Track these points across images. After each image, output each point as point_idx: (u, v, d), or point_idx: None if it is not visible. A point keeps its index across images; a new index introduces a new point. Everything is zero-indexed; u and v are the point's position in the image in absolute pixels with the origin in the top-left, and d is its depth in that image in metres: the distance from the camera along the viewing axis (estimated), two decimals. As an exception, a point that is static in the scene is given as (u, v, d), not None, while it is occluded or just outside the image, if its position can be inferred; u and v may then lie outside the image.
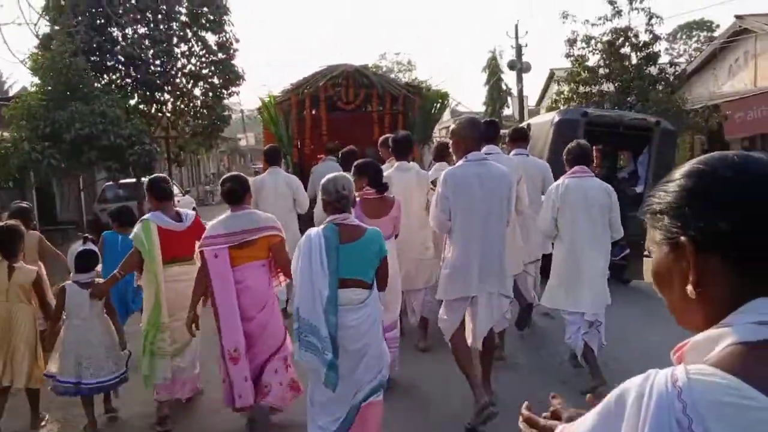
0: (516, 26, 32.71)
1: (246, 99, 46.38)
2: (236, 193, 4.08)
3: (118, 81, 13.08)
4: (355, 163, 4.81)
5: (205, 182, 34.05)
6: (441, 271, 4.25)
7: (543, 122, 8.81)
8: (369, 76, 9.67)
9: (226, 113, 14.67)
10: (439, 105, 9.96)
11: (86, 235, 4.67)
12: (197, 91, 14.45)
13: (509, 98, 33.47)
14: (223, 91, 14.63)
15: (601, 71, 14.23)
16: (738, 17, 20.28)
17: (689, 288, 0.88)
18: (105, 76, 12.73)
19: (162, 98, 14.06)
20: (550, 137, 7.71)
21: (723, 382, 0.75)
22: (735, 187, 0.86)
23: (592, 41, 14.38)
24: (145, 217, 4.43)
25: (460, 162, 4.17)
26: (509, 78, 34.14)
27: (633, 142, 8.03)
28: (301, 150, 9.44)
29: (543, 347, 5.49)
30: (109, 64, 12.64)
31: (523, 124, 9.36)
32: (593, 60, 14.47)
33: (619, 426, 0.80)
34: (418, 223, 5.02)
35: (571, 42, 14.67)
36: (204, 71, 14.28)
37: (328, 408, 3.38)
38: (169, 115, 14.25)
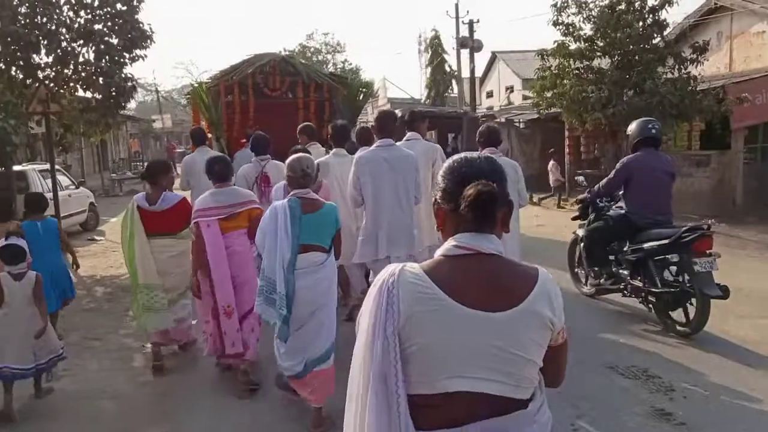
0: (456, 4, 30.37)
1: (161, 78, 42.18)
2: (223, 172, 4.82)
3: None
4: (294, 148, 5.63)
5: (112, 169, 29.76)
6: (358, 239, 5.11)
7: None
8: (295, 65, 10.42)
9: (128, 84, 11.18)
10: (363, 93, 10.73)
11: (10, 230, 4.99)
12: (88, 54, 10.89)
13: (453, 80, 31.06)
14: (125, 54, 11.13)
15: (599, 43, 11.81)
16: (713, -7, 18.43)
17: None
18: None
19: (38, 61, 10.47)
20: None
21: (413, 271, 1.54)
22: (453, 169, 1.65)
23: (587, 6, 11.94)
24: (133, 197, 5.30)
25: (372, 147, 5.07)
26: (450, 59, 31.86)
27: (452, 127, 10.21)
28: (229, 134, 9.81)
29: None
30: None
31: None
32: (586, 29, 12.02)
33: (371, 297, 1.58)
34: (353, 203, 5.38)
35: (560, 8, 12.18)
36: (97, 26, 10.74)
37: (287, 356, 3.96)
38: (48, 83, 10.66)
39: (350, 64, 54.93)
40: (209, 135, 10.26)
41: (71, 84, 10.96)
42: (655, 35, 11.61)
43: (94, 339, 6.21)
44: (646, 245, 5.76)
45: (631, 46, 11.63)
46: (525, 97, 30.15)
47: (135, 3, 11.02)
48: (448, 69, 31.50)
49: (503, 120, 22.03)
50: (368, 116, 22.38)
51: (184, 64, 75.94)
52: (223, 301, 4.67)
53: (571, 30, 12.01)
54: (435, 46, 31.23)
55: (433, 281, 1.51)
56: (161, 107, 50.03)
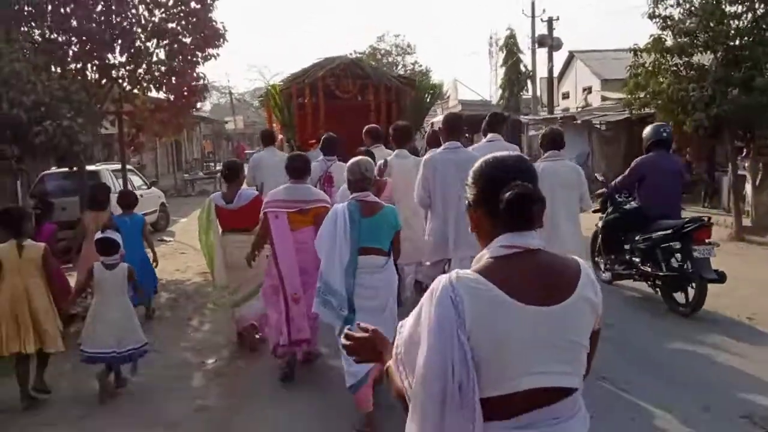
0: (533, 2, 29.19)
1: (235, 81, 42.85)
2: (300, 170, 4.95)
3: (47, 34, 9.40)
4: (359, 150, 5.85)
5: (186, 169, 30.23)
6: (425, 239, 5.28)
7: (439, 119, 10.69)
8: (365, 68, 10.53)
9: (200, 83, 10.96)
10: (431, 95, 10.81)
11: (105, 223, 5.51)
12: (161, 53, 10.73)
13: (528, 81, 29.93)
14: (197, 53, 10.92)
15: (701, 37, 10.71)
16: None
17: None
18: (24, 26, 9.02)
19: (112, 60, 10.35)
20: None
21: (471, 277, 1.52)
22: (484, 172, 1.66)
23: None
24: (210, 197, 5.82)
25: (439, 149, 5.21)
26: (525, 59, 30.80)
27: None
28: (301, 135, 9.97)
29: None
30: (27, 8, 8.91)
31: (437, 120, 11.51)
32: (687, 23, 10.92)
33: (429, 307, 1.52)
34: (415, 203, 5.42)
35: (656, -1, 11.15)
36: (171, 25, 10.56)
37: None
38: (121, 82, 10.54)
39: (420, 65, 54.26)
40: (280, 136, 10.66)
41: (144, 84, 10.82)
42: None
43: (152, 351, 5.80)
44: (654, 235, 6.47)
45: (738, 40, 10.48)
46: (604, 98, 28.71)
47: (209, 1, 10.80)
48: (523, 69, 30.37)
49: (580, 122, 20.95)
50: (438, 117, 21.74)
51: (257, 67, 77.72)
52: (291, 290, 4.79)
53: (669, 23, 10.96)
54: (510, 46, 30.20)
55: (491, 283, 1.52)
56: (234, 109, 50.89)
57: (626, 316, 6.35)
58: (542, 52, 26.05)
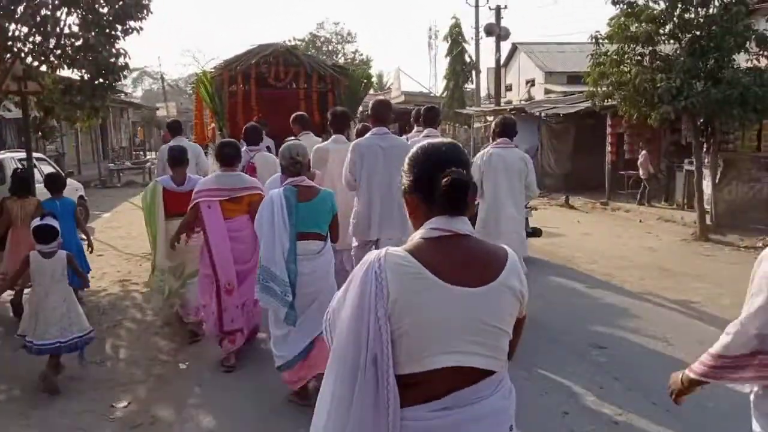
0: (477, -8, 28.52)
1: (169, 67, 40.65)
2: (231, 156, 4.94)
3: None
4: (287, 140, 5.81)
5: (112, 158, 28.11)
6: (351, 221, 5.18)
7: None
8: (298, 56, 10.63)
9: (119, 60, 9.56)
10: (364, 84, 10.93)
11: (44, 211, 5.39)
12: (74, 25, 9.28)
13: (474, 72, 29.28)
14: (116, 25, 9.52)
15: (668, 25, 10.11)
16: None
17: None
18: None
19: (15, 31, 8.86)
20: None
21: (400, 254, 1.60)
22: (418, 159, 1.71)
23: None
24: (156, 179, 5.93)
25: (367, 135, 5.26)
26: (471, 49, 30.14)
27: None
28: (232, 123, 9.68)
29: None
30: None
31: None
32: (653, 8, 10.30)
33: (356, 280, 1.62)
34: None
35: (620, -18, 10.48)
36: (84, -8, 9.12)
37: (285, 342, 4.03)
38: (24, 57, 9.05)
39: (361, 54, 53.33)
40: (212, 125, 10.30)
41: (52, 60, 9.34)
42: (739, 17, 9.83)
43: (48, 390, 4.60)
44: None
45: (706, 29, 9.92)
46: (547, 91, 28.50)
47: (129, -35, 9.39)
48: (468, 59, 29.69)
49: (528, 114, 20.45)
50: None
51: (191, 52, 74.96)
52: (224, 279, 4.79)
53: (635, 8, 10.30)
54: (455, 35, 29.46)
55: (418, 262, 1.59)
56: (166, 95, 48.54)
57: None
58: (486, 43, 25.57)
